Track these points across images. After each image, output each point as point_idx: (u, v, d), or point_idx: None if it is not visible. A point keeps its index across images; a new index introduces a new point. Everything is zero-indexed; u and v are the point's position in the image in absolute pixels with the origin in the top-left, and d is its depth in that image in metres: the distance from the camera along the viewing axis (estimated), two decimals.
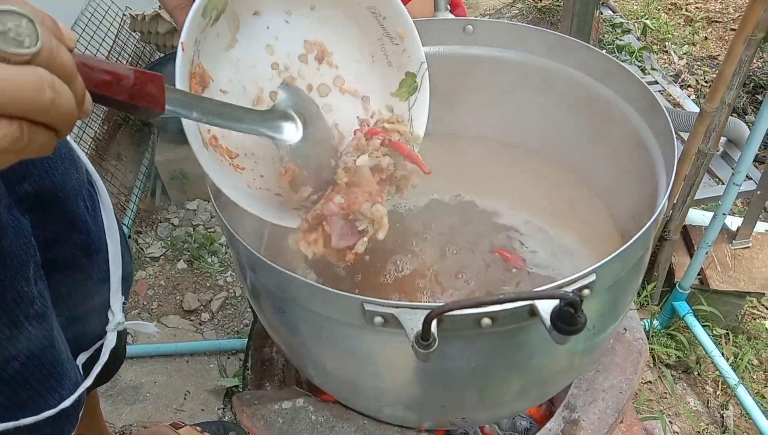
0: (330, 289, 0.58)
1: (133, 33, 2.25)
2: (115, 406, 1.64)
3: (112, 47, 2.18)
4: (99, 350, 0.83)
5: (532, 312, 0.55)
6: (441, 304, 0.50)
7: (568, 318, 0.50)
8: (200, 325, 1.85)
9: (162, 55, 2.17)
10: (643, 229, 0.61)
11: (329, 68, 0.80)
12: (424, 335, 0.52)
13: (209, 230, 2.09)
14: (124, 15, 2.24)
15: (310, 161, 0.71)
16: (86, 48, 2.02)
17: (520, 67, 0.89)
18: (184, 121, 0.63)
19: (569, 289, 0.56)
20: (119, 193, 2.10)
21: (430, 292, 0.82)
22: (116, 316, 0.83)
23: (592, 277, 0.57)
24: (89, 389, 1.01)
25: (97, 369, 0.80)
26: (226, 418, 1.61)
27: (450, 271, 0.84)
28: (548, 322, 0.52)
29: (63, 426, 0.75)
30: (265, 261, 0.61)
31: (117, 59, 2.22)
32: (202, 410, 1.63)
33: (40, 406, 0.70)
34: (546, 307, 0.52)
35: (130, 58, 2.31)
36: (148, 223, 2.13)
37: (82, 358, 0.82)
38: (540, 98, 0.90)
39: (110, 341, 0.82)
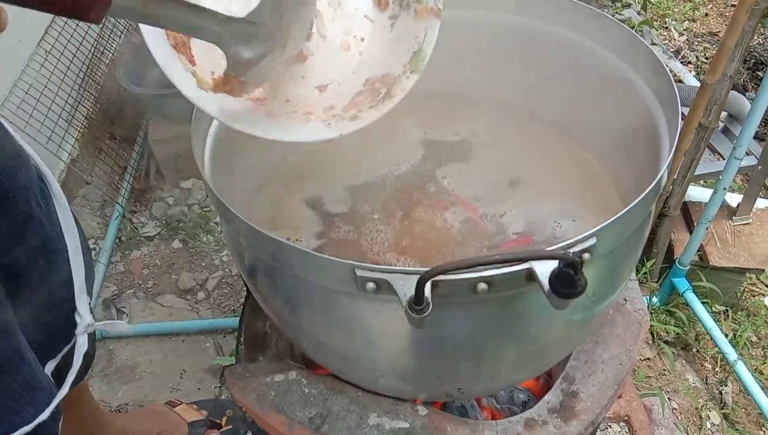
0: (319, 254, 0.56)
1: None
2: (111, 385, 1.63)
3: (103, 24, 2.15)
4: (67, 356, 0.79)
5: (530, 277, 0.53)
6: (430, 267, 0.48)
7: (567, 280, 0.48)
8: (196, 304, 1.83)
9: None
10: (644, 194, 0.59)
11: None
12: (417, 299, 0.50)
13: (204, 209, 2.07)
14: None
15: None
16: (77, 24, 1.98)
17: (521, 31, 0.87)
18: (166, 67, 0.58)
19: (572, 251, 0.54)
20: (113, 173, 2.08)
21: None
22: (84, 318, 0.78)
23: (593, 241, 0.55)
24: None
25: (71, 376, 0.76)
26: (223, 396, 1.60)
27: (445, 236, 0.82)
28: (546, 285, 0.50)
29: None
30: (254, 227, 0.59)
31: (109, 36, 2.19)
32: (199, 389, 1.63)
33: (15, 422, 0.66)
34: (544, 270, 0.50)
35: (122, 35, 2.27)
36: (142, 203, 2.11)
37: (50, 366, 0.78)
38: (539, 61, 0.88)
39: (81, 345, 0.78)
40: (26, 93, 1.71)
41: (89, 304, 0.80)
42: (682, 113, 1.91)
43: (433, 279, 0.51)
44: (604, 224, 0.55)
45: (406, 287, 0.52)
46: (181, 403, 1.43)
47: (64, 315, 0.78)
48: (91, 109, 2.08)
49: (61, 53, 1.89)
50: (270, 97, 0.67)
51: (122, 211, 2.02)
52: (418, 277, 0.50)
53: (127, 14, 0.49)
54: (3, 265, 0.68)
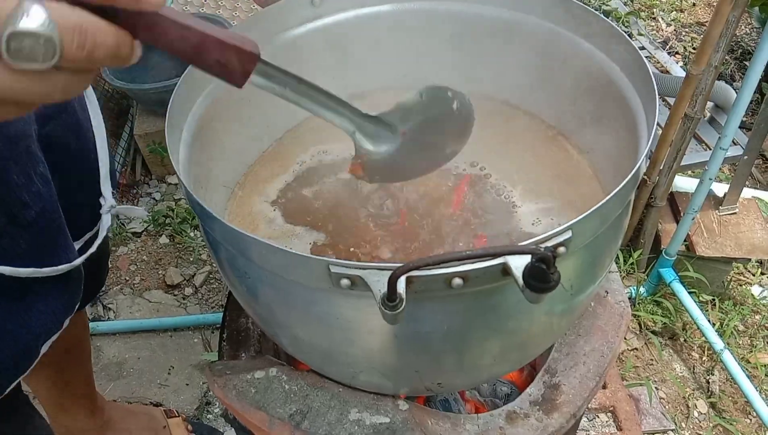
0: (294, 251, 0.55)
1: None
2: (99, 382, 1.62)
3: None
4: (89, 242, 0.86)
5: (505, 271, 0.53)
6: (404, 262, 0.48)
7: (540, 275, 0.48)
8: (183, 299, 1.83)
9: None
10: (621, 186, 0.59)
11: None
12: (390, 296, 0.49)
13: None
14: None
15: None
16: None
17: (500, 23, 0.86)
18: None
19: (545, 245, 0.54)
20: None
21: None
22: (108, 200, 0.86)
23: (568, 234, 0.55)
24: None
25: (96, 242, 0.84)
26: (211, 392, 1.60)
27: (426, 232, 0.82)
28: (521, 279, 0.50)
29: (73, 290, 0.79)
30: (228, 225, 0.59)
31: None
32: (187, 385, 1.62)
33: (54, 260, 0.73)
34: (518, 264, 0.50)
35: None
36: (129, 198, 2.10)
37: (75, 247, 0.84)
38: (517, 52, 0.87)
39: (106, 223, 0.86)
40: None
41: (111, 190, 0.87)
42: (669, 103, 1.91)
43: (408, 275, 0.51)
44: (579, 218, 0.55)
45: (380, 283, 0.51)
46: (178, 415, 1.42)
47: (89, 199, 0.85)
48: None
49: None
50: None
51: None
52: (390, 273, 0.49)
53: (268, 90, 0.54)
54: (42, 134, 0.74)
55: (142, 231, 2.00)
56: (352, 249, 0.81)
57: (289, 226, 0.85)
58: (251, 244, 0.59)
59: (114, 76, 1.94)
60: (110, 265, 1.91)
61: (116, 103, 2.28)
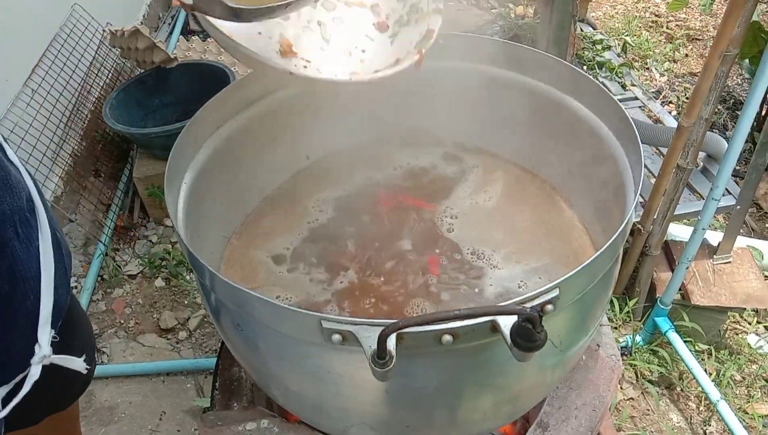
0: (287, 306, 0.56)
1: (112, 49, 2.24)
2: (89, 426, 1.61)
3: (91, 63, 2.17)
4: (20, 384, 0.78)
5: (494, 328, 0.53)
6: (394, 320, 0.49)
7: (526, 334, 0.49)
8: (177, 343, 1.82)
9: (142, 71, 2.16)
10: (609, 243, 0.60)
11: None
12: (380, 353, 0.50)
13: None
14: (104, 30, 2.22)
15: None
16: (65, 63, 2.00)
17: (487, 79, 0.89)
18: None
19: (532, 304, 0.54)
20: (96, 210, 2.07)
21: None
22: (42, 348, 0.78)
23: (555, 292, 0.56)
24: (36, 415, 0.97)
25: (15, 401, 0.75)
26: None
27: (419, 285, 0.83)
28: (508, 338, 0.50)
29: None
30: (222, 278, 0.60)
31: (96, 75, 2.21)
32: (178, 431, 1.60)
33: None
34: (507, 323, 0.51)
35: (110, 73, 2.29)
36: (125, 241, 2.10)
37: (2, 392, 0.78)
38: (505, 108, 0.90)
39: (34, 374, 0.78)
40: (11, 132, 1.71)
41: (51, 336, 0.80)
42: (662, 153, 1.94)
43: (398, 332, 0.52)
44: (567, 276, 0.56)
45: (370, 340, 0.52)
46: None
47: (22, 343, 0.78)
48: (76, 147, 2.08)
49: (48, 92, 1.91)
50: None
51: (105, 249, 2.01)
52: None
53: None
54: None
55: (138, 273, 2.00)
56: (347, 302, 0.81)
57: (288, 276, 0.86)
58: (244, 297, 0.60)
59: (116, 120, 1.97)
60: (105, 308, 1.91)
61: (116, 147, 2.31)
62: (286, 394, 0.73)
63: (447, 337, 0.54)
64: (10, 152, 0.78)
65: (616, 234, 0.61)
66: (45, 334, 0.78)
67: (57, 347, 0.80)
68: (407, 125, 0.99)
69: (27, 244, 0.76)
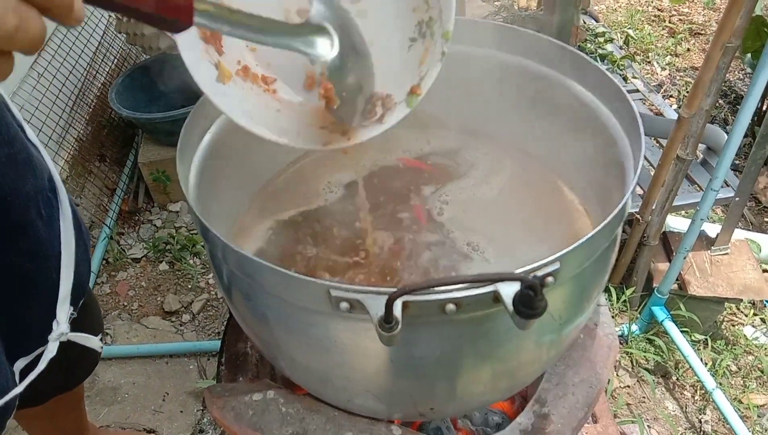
0: (295, 274, 0.58)
1: (119, 34, 2.25)
2: (93, 406, 1.63)
3: (97, 48, 2.18)
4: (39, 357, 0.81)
5: (496, 298, 0.55)
6: (401, 287, 0.51)
7: (528, 301, 0.51)
8: (181, 326, 1.84)
9: (148, 57, 2.17)
10: (608, 219, 0.62)
11: None
12: (387, 318, 0.52)
13: (192, 232, 2.09)
14: (110, 16, 2.24)
15: (346, 78, 0.67)
16: (71, 48, 2.02)
17: (491, 64, 0.90)
18: (189, 60, 0.61)
19: (533, 275, 0.56)
20: (102, 195, 2.09)
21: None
22: (60, 326, 0.80)
23: (556, 265, 0.57)
24: (48, 393, 1.00)
25: (31, 377, 0.77)
26: (205, 420, 1.60)
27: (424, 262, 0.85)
28: (510, 306, 0.52)
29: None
30: (233, 247, 0.62)
31: (102, 60, 2.22)
32: (181, 412, 1.63)
33: None
34: (508, 292, 0.53)
35: (116, 60, 2.31)
36: (130, 225, 2.12)
37: (20, 364, 0.81)
38: (509, 92, 0.91)
39: (50, 350, 0.80)
40: None
41: (69, 314, 0.82)
42: (662, 145, 1.95)
43: (403, 299, 0.54)
44: (568, 250, 0.58)
45: (377, 307, 0.54)
46: None
47: (43, 318, 0.80)
48: (81, 132, 2.10)
49: (54, 76, 1.92)
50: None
51: (110, 232, 2.03)
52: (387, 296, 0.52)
53: (209, 27, 0.54)
54: None
55: (142, 257, 2.03)
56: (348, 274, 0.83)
57: (293, 251, 0.88)
58: (255, 266, 0.61)
59: (121, 105, 1.98)
60: (109, 290, 1.93)
61: (122, 132, 2.33)
62: (292, 365, 0.75)
63: (450, 306, 0.56)
64: (30, 133, 0.80)
65: (617, 209, 0.63)
66: (63, 311, 0.81)
67: (72, 326, 0.83)
68: (416, 109, 1.01)
69: (49, 224, 0.79)
